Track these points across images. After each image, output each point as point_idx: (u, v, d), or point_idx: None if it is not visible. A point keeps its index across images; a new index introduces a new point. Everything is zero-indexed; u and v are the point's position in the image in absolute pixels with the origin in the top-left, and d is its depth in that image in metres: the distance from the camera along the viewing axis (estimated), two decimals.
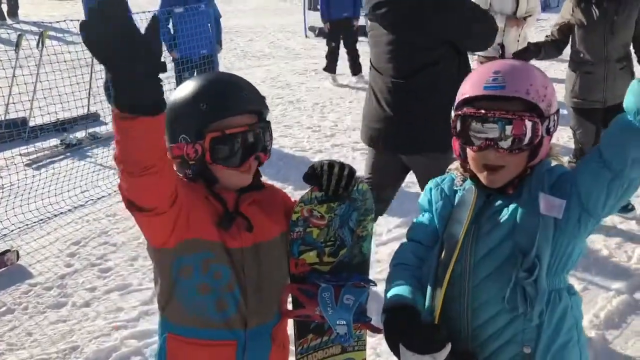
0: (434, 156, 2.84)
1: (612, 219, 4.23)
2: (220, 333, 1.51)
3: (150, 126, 1.17)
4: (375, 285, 1.66)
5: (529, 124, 1.37)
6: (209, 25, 6.50)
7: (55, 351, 2.99)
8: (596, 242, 3.92)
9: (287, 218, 1.60)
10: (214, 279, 1.48)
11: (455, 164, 1.61)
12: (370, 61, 3.16)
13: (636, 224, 4.18)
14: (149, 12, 6.25)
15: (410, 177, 5.21)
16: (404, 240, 1.70)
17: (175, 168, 1.48)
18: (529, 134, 1.38)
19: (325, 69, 9.14)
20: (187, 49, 6.39)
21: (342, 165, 1.54)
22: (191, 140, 1.45)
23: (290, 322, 1.71)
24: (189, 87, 1.51)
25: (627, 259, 3.74)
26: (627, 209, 4.24)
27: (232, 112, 1.46)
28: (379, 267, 3.60)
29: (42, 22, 8.52)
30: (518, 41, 5.37)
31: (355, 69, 9.06)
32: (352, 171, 1.55)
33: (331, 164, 1.54)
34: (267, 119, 1.57)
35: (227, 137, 1.45)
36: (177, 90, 1.54)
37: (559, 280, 1.44)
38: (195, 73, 6.41)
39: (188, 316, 1.51)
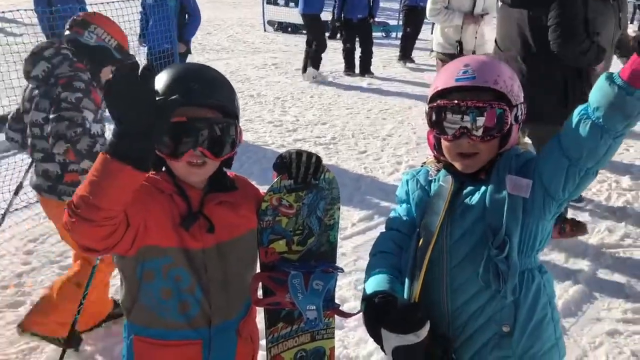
0: (547, 129, 2.94)
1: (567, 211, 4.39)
2: (185, 333, 1.53)
3: (133, 178, 1.25)
4: (343, 271, 1.70)
5: (498, 112, 1.46)
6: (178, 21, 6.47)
7: (14, 352, 2.90)
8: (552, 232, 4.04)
9: (257, 213, 1.62)
10: (175, 282, 1.49)
11: (430, 158, 1.69)
12: (495, 41, 3.93)
13: (589, 216, 4.34)
14: None
15: (374, 172, 5.31)
16: (369, 233, 1.74)
17: None
18: (498, 122, 1.46)
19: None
20: (152, 41, 6.36)
21: (309, 154, 1.59)
22: None
23: (259, 314, 1.73)
24: (162, 73, 1.51)
25: (583, 250, 3.88)
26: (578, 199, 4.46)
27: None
28: (344, 260, 3.65)
29: None
30: (476, 38, 5.47)
31: (306, 66, 9.06)
32: (319, 159, 1.60)
33: (299, 152, 1.58)
34: (234, 117, 1.53)
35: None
36: None
37: (529, 260, 1.52)
38: (162, 65, 6.38)
39: (153, 318, 1.52)
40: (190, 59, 7.84)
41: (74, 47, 2.76)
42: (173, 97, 1.28)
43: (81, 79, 2.63)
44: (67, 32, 2.81)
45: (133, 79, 1.18)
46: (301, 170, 1.57)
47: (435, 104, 1.52)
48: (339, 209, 1.71)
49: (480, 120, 1.46)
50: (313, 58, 9.07)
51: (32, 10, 5.92)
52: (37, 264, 3.71)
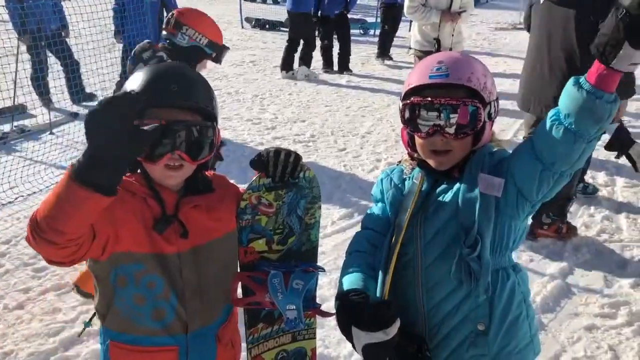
0: None
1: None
2: (161, 340, 1.51)
3: (101, 203, 1.21)
4: (324, 271, 1.68)
5: (472, 109, 1.45)
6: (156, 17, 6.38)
7: None
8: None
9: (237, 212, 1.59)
10: (147, 289, 1.46)
11: (405, 156, 1.68)
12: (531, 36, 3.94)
13: None
14: None
15: (353, 170, 5.29)
16: (349, 231, 1.74)
17: None
18: (472, 119, 1.45)
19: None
20: (130, 37, 6.25)
21: (288, 152, 1.56)
22: None
23: (240, 319, 1.71)
24: (139, 71, 1.47)
25: (560, 246, 3.92)
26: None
27: (154, 104, 1.39)
28: (324, 258, 3.62)
29: None
30: (452, 35, 5.50)
31: (285, 65, 9.01)
32: (297, 157, 1.57)
33: (277, 150, 1.55)
34: (212, 119, 1.50)
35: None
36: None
37: (503, 259, 1.51)
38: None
39: (128, 324, 1.49)
40: None
41: (170, 45, 3.04)
42: (153, 126, 1.24)
43: None
44: (163, 32, 3.10)
45: (116, 109, 1.14)
46: (279, 169, 1.54)
47: (408, 101, 1.50)
48: (320, 207, 1.69)
49: (454, 118, 1.45)
50: (304, 57, 9.03)
51: (3, 6, 5.79)
52: (10, 266, 3.62)
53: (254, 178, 1.58)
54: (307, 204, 1.65)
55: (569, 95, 1.30)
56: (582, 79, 1.28)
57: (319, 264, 1.71)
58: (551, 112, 1.34)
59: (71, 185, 1.17)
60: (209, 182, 1.57)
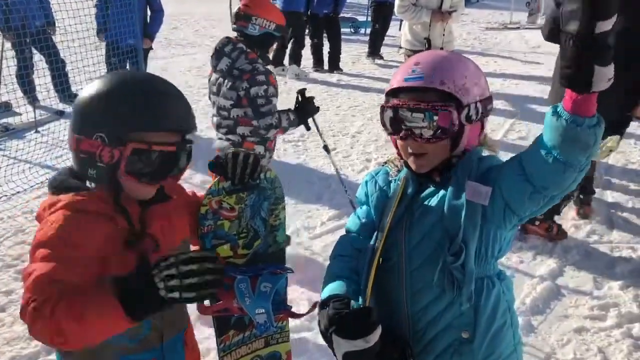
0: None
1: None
2: (139, 356, 1.46)
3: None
4: (292, 272, 1.64)
5: (442, 113, 1.40)
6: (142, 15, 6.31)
7: None
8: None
9: (192, 221, 1.57)
10: None
11: (390, 157, 1.65)
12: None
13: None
14: None
15: (343, 170, 5.24)
16: (338, 232, 1.69)
17: (73, 161, 1.42)
18: (443, 123, 1.40)
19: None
20: (115, 35, 6.14)
21: (246, 154, 1.54)
22: (109, 142, 1.33)
23: (198, 321, 1.67)
24: (119, 81, 1.38)
25: (550, 247, 3.88)
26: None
27: (160, 127, 1.36)
28: (313, 259, 3.56)
29: None
30: (443, 35, 5.45)
31: (276, 61, 8.98)
32: (256, 158, 1.55)
33: (235, 152, 1.53)
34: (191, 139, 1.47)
35: (152, 152, 1.35)
36: (107, 79, 1.40)
37: (488, 267, 1.47)
38: (124, 60, 6.24)
39: (102, 345, 1.38)
40: (154, 54, 7.69)
41: (242, 37, 3.22)
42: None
43: (260, 71, 3.07)
44: (233, 25, 3.29)
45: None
46: (237, 171, 1.51)
47: (384, 104, 1.49)
48: (284, 208, 1.66)
49: (423, 122, 1.41)
50: (293, 55, 9.00)
51: None
52: None
53: (213, 182, 1.54)
54: (270, 206, 1.62)
55: (550, 127, 1.25)
56: (559, 108, 1.23)
57: (309, 266, 1.66)
58: (541, 139, 1.29)
59: (118, 319, 1.19)
60: (163, 189, 1.51)
